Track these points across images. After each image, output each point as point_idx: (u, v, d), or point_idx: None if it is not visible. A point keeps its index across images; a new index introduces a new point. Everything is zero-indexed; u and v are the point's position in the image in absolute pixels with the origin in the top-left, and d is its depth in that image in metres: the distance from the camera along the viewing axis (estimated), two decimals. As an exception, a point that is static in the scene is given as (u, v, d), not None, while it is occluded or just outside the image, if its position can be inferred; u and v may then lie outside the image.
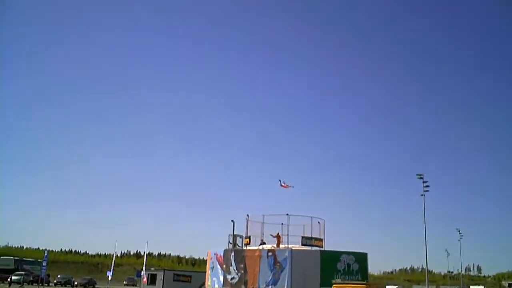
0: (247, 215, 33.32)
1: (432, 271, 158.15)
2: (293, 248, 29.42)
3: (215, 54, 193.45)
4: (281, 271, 28.06)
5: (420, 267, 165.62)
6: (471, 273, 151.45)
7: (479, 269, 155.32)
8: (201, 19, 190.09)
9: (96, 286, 59.52)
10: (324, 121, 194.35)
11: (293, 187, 34.76)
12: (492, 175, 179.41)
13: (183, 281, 38.63)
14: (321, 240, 32.09)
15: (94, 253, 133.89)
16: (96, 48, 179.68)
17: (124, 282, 63.92)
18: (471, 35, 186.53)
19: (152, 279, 38.09)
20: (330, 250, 30.03)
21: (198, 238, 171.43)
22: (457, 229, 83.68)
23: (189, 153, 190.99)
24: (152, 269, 42.13)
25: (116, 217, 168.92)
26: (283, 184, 34.41)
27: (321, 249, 30.48)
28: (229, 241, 34.98)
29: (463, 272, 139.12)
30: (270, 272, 28.39)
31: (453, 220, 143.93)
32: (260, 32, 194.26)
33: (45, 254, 41.79)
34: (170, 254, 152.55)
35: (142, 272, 39.72)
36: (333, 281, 18.02)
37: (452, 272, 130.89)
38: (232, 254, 30.58)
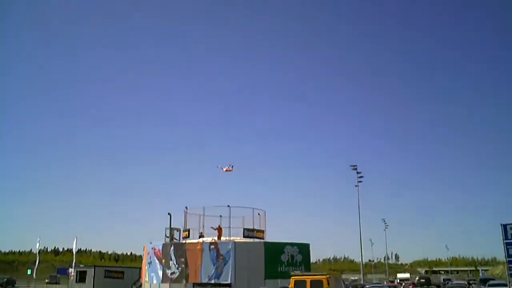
0: (186, 207, 32.02)
1: (353, 260, 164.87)
2: (236, 240, 28.60)
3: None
4: (224, 264, 27.18)
5: (343, 256, 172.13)
6: (390, 261, 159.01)
7: (397, 257, 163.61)
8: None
9: (15, 285, 55.41)
10: (264, 109, 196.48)
11: (233, 166, 33.82)
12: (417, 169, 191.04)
13: (115, 277, 36.51)
14: (262, 231, 31.55)
15: (7, 251, 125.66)
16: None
17: (46, 280, 59.89)
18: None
19: (81, 276, 35.60)
20: (274, 241, 29.52)
21: (127, 233, 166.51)
22: (382, 219, 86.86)
23: (123, 140, 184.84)
24: (82, 265, 39.49)
25: (31, 211, 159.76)
26: (225, 168, 33.38)
27: (265, 241, 29.89)
28: (165, 235, 33.48)
29: (382, 260, 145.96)
30: (213, 266, 27.40)
31: (375, 210, 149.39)
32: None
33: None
34: (91, 250, 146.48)
35: (70, 269, 37.03)
36: (292, 273, 17.34)
37: (373, 261, 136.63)
38: (172, 248, 29.18)
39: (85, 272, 36.18)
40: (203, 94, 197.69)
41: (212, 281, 27.19)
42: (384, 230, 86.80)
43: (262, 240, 29.88)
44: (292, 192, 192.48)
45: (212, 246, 27.81)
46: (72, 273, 35.81)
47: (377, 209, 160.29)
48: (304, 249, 29.73)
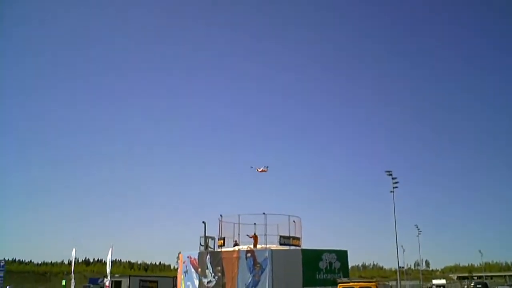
0: (221, 215, 31.85)
1: (382, 266, 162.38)
2: (272, 248, 28.24)
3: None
4: (261, 273, 26.80)
5: (372, 263, 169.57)
6: (420, 268, 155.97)
7: (427, 263, 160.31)
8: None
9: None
10: (295, 117, 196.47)
11: (268, 167, 33.51)
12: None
13: (149, 287, 36.59)
14: (298, 239, 31.11)
15: (40, 262, 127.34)
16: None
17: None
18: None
19: (116, 286, 35.78)
20: (311, 248, 29.02)
21: (158, 242, 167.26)
22: (415, 225, 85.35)
23: (150, 145, 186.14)
24: (117, 275, 39.68)
25: (61, 221, 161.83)
26: (260, 169, 33.11)
27: (302, 248, 29.44)
28: (200, 243, 33.35)
29: (413, 267, 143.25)
30: (249, 274, 27.04)
31: (407, 215, 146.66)
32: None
33: (1, 264, 38.18)
34: (120, 260, 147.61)
35: (104, 279, 37.20)
36: (339, 280, 16.92)
37: (403, 267, 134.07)
38: (208, 256, 28.97)
39: (120, 282, 36.37)
40: (240, 99, 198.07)
41: (249, 290, 26.88)
42: (417, 236, 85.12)
43: (299, 248, 29.42)
44: (327, 197, 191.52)
45: (249, 254, 27.47)
46: (107, 284, 35.89)
47: (408, 214, 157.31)
48: (342, 256, 29.11)
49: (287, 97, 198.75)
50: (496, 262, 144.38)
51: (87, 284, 64.30)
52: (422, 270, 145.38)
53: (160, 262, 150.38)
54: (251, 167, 33.67)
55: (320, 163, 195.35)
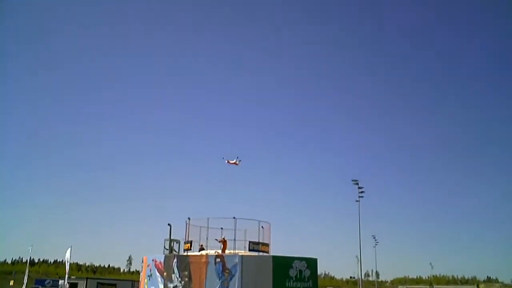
0: (188, 218, 30.90)
1: (334, 276, 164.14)
2: (242, 253, 27.51)
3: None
4: (230, 279, 25.98)
5: (323, 272, 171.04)
6: (370, 278, 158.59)
7: (377, 274, 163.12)
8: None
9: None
10: (265, 125, 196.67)
11: (240, 160, 32.65)
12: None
13: (108, 290, 34.95)
14: (267, 245, 30.59)
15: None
16: None
17: (26, 292, 57.24)
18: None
19: (72, 288, 33.94)
20: (282, 255, 28.44)
21: (111, 244, 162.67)
22: (373, 236, 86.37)
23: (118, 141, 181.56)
24: (73, 277, 37.76)
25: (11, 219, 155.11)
26: (229, 161, 32.24)
27: (273, 255, 28.84)
28: (164, 247, 32.32)
29: (363, 277, 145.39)
30: (218, 280, 26.15)
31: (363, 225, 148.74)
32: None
33: None
34: (62, 261, 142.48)
35: (60, 281, 35.27)
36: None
37: (354, 278, 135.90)
38: (175, 260, 27.83)
39: (76, 284, 34.55)
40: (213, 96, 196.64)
41: (218, 296, 26.00)
42: (374, 246, 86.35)
43: (270, 254, 28.84)
44: (294, 204, 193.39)
45: (218, 260, 26.58)
46: (67, 285, 34.03)
47: (364, 224, 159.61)
48: (312, 264, 28.69)
49: (261, 104, 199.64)
50: (443, 276, 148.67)
51: (34, 286, 61.25)
52: (371, 281, 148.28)
53: (109, 265, 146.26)
54: (223, 158, 32.71)
55: (290, 168, 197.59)
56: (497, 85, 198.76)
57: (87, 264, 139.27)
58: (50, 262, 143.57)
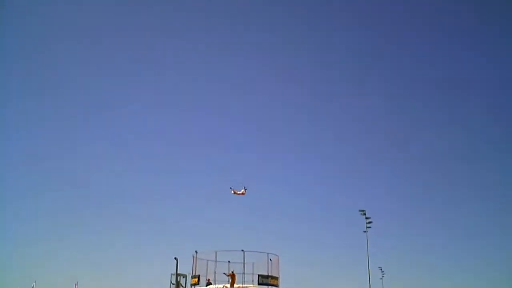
0: (196, 252, 30.26)
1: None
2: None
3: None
4: (241, 314, 25.30)
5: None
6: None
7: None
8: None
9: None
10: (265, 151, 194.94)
11: (246, 189, 32.09)
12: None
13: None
14: (276, 278, 29.95)
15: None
16: None
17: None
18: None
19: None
20: (292, 290, 27.78)
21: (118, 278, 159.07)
22: (379, 267, 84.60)
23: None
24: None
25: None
26: (236, 192, 31.72)
27: (282, 288, 28.21)
28: (171, 282, 31.43)
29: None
30: (229, 316, 25.47)
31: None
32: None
33: None
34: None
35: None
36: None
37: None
38: (184, 296, 27.20)
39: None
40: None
41: (228, 332, 25.23)
42: (381, 278, 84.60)
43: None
44: (302, 235, 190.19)
45: (227, 295, 25.97)
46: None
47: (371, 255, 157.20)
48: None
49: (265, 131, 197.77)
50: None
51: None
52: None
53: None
54: (230, 188, 32.24)
55: (297, 199, 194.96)
56: None
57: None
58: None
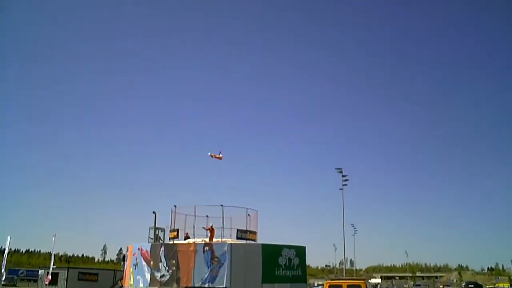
0: (174, 206, 30.37)
1: (308, 265, 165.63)
2: (230, 242, 27.13)
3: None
4: (219, 267, 25.54)
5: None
6: (343, 267, 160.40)
7: (352, 263, 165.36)
8: None
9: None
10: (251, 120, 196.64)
11: (222, 154, 32.11)
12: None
13: (89, 280, 34.09)
14: (255, 233, 30.35)
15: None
16: None
17: (3, 282, 55.76)
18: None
19: (52, 278, 32.93)
20: (271, 243, 28.17)
21: (85, 232, 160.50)
22: (352, 224, 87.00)
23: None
24: (54, 266, 36.70)
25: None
26: (213, 155, 31.67)
27: (262, 243, 28.53)
28: (149, 235, 31.68)
29: (337, 266, 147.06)
30: (207, 268, 25.68)
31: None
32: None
33: None
34: (40, 250, 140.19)
35: (40, 271, 34.30)
36: (326, 278, 16.15)
37: (329, 266, 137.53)
38: (162, 249, 27.24)
39: (57, 274, 33.56)
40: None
41: (206, 285, 25.46)
42: (353, 235, 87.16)
43: (259, 242, 28.54)
44: (279, 191, 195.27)
45: (207, 248, 26.10)
46: (49, 276, 32.94)
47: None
48: (300, 252, 28.53)
49: (243, 100, 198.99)
50: (417, 264, 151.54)
51: (9, 276, 59.79)
52: (347, 269, 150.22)
53: (83, 254, 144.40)
54: (208, 153, 32.12)
55: (277, 156, 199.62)
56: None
57: (60, 254, 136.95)
58: (22, 251, 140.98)
